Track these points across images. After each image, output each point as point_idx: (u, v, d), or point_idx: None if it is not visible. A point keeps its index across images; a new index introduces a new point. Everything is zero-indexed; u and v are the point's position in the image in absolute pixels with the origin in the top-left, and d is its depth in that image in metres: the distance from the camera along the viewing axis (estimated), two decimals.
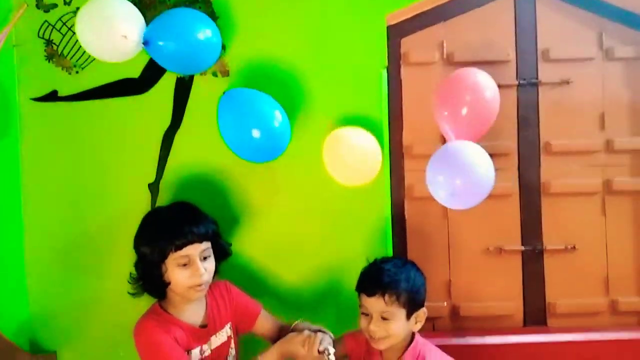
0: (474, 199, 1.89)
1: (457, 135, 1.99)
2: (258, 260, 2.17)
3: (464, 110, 1.93)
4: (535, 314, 2.46)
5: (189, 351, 1.52)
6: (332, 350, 1.41)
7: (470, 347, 2.30)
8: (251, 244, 2.17)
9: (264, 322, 1.72)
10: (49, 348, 2.21)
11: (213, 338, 1.61)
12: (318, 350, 1.41)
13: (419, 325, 1.55)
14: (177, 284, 1.53)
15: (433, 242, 2.43)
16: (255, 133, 1.81)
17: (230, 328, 1.67)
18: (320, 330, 1.49)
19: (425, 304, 1.65)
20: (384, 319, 1.51)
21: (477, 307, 2.44)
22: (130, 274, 1.58)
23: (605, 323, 2.44)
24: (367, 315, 1.53)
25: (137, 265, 1.58)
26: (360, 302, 1.54)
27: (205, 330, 1.60)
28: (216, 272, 1.61)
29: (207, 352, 1.58)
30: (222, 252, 1.64)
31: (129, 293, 1.58)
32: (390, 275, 1.53)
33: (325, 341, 1.43)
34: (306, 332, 1.49)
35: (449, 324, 2.44)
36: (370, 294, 1.52)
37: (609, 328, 2.40)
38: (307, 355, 1.45)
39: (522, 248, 2.44)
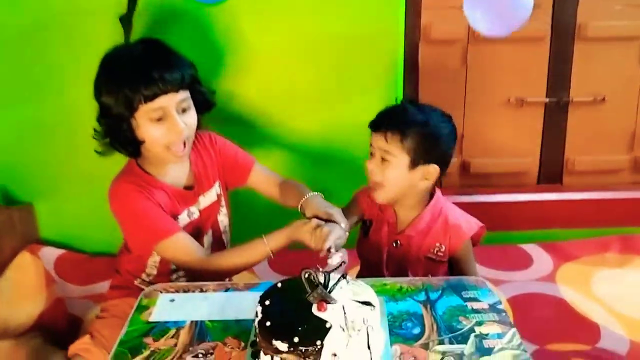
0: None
1: None
2: (256, 108, 1.92)
3: None
4: (551, 171, 2.29)
5: (175, 217, 1.32)
6: (337, 253, 1.18)
7: (479, 205, 2.15)
8: (247, 89, 1.89)
9: (259, 177, 1.49)
10: (25, 200, 2.04)
11: (201, 199, 1.39)
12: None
13: (425, 184, 1.31)
14: (152, 142, 1.26)
15: (448, 91, 2.17)
16: None
17: (219, 186, 1.46)
18: (331, 220, 1.23)
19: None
20: (383, 160, 1.30)
21: (489, 164, 2.26)
22: (95, 129, 1.30)
23: (624, 181, 2.28)
24: (372, 155, 1.32)
25: (101, 119, 1.30)
26: (370, 141, 1.32)
27: (192, 191, 1.38)
28: (199, 125, 1.34)
29: (196, 215, 1.37)
30: (204, 103, 1.35)
31: (96, 152, 1.32)
32: (405, 114, 1.28)
33: (334, 235, 1.19)
34: (314, 222, 1.26)
35: (457, 181, 2.28)
36: (376, 128, 1.29)
37: (628, 187, 2.25)
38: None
39: (547, 100, 2.20)
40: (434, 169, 1.30)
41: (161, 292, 1.16)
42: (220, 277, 1.27)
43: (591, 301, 1.74)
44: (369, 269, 1.43)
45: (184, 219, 1.34)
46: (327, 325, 0.92)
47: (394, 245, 1.36)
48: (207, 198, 1.41)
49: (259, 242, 1.27)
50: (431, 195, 1.37)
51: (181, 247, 1.27)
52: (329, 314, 0.95)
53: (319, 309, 0.95)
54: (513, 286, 1.85)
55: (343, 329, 0.92)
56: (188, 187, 1.37)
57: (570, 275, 1.90)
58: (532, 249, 2.08)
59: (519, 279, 1.90)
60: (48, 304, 1.71)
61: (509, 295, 1.79)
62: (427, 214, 1.35)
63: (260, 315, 0.95)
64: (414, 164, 1.28)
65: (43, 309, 1.69)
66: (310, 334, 0.90)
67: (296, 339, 0.89)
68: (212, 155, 1.43)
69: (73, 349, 1.34)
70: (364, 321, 0.93)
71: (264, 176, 1.50)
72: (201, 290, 1.17)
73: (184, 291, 1.16)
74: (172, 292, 1.16)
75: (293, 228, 1.25)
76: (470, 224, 1.35)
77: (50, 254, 1.97)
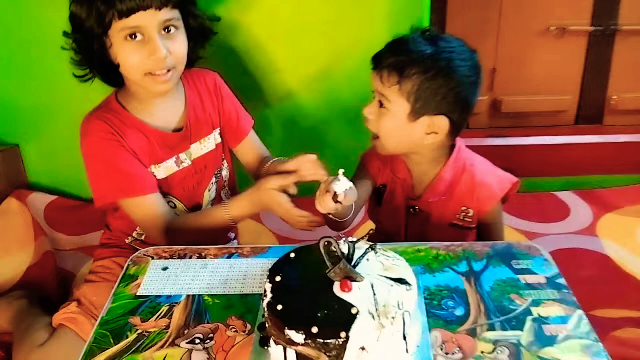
0: None
1: None
2: (259, 45, 1.65)
3: None
4: (592, 110, 2.06)
5: (157, 164, 1.12)
6: (344, 180, 0.94)
7: (510, 149, 1.95)
8: (251, 22, 1.62)
9: (250, 146, 1.27)
10: (11, 141, 1.84)
11: (195, 146, 1.18)
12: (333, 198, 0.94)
13: (433, 139, 1.04)
14: (127, 66, 1.05)
15: (480, 18, 1.91)
16: None
17: (220, 135, 1.23)
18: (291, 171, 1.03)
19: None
20: (381, 105, 1.03)
21: (523, 102, 2.04)
22: (69, 47, 1.09)
23: None
24: (373, 98, 1.06)
25: (71, 34, 1.09)
26: None
27: (181, 134, 1.16)
28: (195, 56, 1.13)
29: (187, 163, 1.18)
30: (199, 30, 1.12)
31: (75, 76, 1.12)
32: (409, 47, 0.99)
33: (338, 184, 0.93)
34: (283, 180, 1.02)
35: (487, 122, 2.06)
36: (374, 65, 1.03)
37: None
38: (289, 214, 1.01)
39: (591, 29, 1.93)
40: (443, 122, 1.02)
41: (152, 258, 0.98)
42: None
43: (639, 258, 1.56)
44: (386, 241, 1.22)
45: (170, 166, 1.14)
46: (354, 311, 0.74)
47: (412, 212, 1.15)
48: (204, 146, 1.20)
49: (218, 208, 1.10)
50: (453, 146, 1.11)
51: (147, 210, 1.10)
52: (354, 295, 0.76)
53: (343, 289, 0.77)
54: (549, 241, 1.66)
55: (373, 317, 0.73)
56: (177, 130, 1.16)
57: (613, 227, 1.71)
58: (568, 197, 1.88)
59: (555, 232, 1.71)
60: (37, 258, 1.54)
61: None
62: (447, 172, 1.10)
63: (270, 296, 0.77)
64: (415, 114, 1.01)
65: (31, 263, 1.53)
66: (333, 322, 0.73)
67: (315, 329, 0.71)
68: (215, 99, 1.21)
69: (58, 318, 1.18)
70: (398, 305, 0.75)
71: (255, 146, 1.29)
72: (200, 256, 0.98)
73: (179, 257, 0.98)
74: (166, 257, 0.98)
75: (256, 190, 1.05)
76: (502, 182, 1.12)
77: (40, 200, 1.80)
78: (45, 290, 1.46)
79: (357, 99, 1.15)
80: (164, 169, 1.13)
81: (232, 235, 1.33)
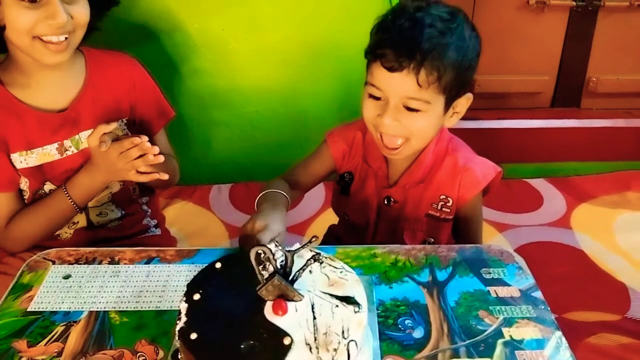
0: None
1: None
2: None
3: None
4: (569, 92, 1.93)
5: (30, 150, 0.94)
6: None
7: (480, 132, 1.82)
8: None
9: (160, 140, 1.10)
10: None
11: (87, 134, 0.95)
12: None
13: (455, 119, 0.93)
14: (15, 30, 0.86)
15: None
16: None
17: (126, 126, 1.04)
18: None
19: None
20: (409, 109, 0.93)
21: (497, 82, 1.89)
22: None
23: None
24: (378, 99, 0.91)
25: None
26: (371, 76, 0.90)
27: (63, 116, 0.97)
28: (95, 23, 0.95)
29: (71, 151, 0.98)
30: None
31: None
32: (433, 35, 0.84)
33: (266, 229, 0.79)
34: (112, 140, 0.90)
35: None
36: (394, 65, 0.84)
37: None
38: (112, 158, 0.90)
39: (573, 3, 1.79)
40: (466, 99, 0.92)
41: (53, 262, 0.81)
42: (27, 245, 0.97)
43: (614, 254, 1.46)
44: (351, 236, 1.08)
45: (49, 153, 0.96)
46: (286, 342, 0.59)
47: (386, 203, 1.01)
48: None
49: (58, 192, 0.97)
50: None
51: None
52: (289, 319, 0.62)
53: (275, 311, 0.62)
54: (520, 233, 1.55)
55: (310, 348, 0.59)
56: (62, 111, 0.98)
57: (588, 218, 1.61)
58: (541, 185, 1.77)
59: (526, 223, 1.60)
60: None
61: (515, 244, 1.49)
62: (427, 156, 0.96)
63: (183, 319, 0.62)
64: (449, 102, 0.89)
65: None
66: (259, 357, 0.58)
67: None
68: (127, 86, 1.03)
69: None
70: (343, 333, 0.61)
71: (161, 142, 1.11)
72: (111, 261, 0.82)
73: (86, 261, 0.82)
74: (70, 262, 0.81)
75: (92, 159, 0.93)
76: (486, 169, 0.99)
77: None
78: None
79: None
80: (37, 156, 0.96)
81: (153, 222, 1.14)
